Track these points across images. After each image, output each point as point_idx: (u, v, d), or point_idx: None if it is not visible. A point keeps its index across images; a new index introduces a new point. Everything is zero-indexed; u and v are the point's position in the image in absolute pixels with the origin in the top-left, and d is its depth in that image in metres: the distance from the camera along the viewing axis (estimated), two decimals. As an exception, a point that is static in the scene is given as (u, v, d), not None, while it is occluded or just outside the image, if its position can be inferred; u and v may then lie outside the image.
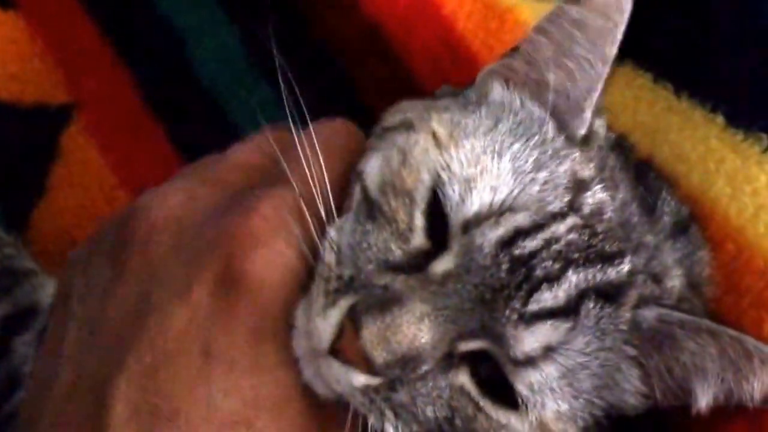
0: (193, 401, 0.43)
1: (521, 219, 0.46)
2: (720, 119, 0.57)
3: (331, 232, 0.47)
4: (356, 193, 0.49)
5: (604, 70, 0.49)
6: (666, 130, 0.59)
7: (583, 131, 0.50)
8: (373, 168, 0.49)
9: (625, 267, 0.47)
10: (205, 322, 0.44)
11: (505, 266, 0.45)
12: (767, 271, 0.51)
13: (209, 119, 0.72)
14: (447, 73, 0.64)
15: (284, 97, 0.50)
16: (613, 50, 0.48)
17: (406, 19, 0.67)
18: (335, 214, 0.48)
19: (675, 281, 0.50)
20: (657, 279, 0.49)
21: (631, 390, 0.49)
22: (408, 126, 0.51)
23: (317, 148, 0.49)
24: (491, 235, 0.45)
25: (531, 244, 0.45)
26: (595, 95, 0.49)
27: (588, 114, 0.50)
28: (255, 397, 0.44)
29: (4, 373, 0.62)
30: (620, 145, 0.54)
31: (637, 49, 0.64)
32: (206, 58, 0.73)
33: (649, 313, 0.48)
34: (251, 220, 0.46)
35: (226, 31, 0.73)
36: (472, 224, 0.46)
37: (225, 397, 0.44)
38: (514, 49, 0.53)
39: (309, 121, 0.50)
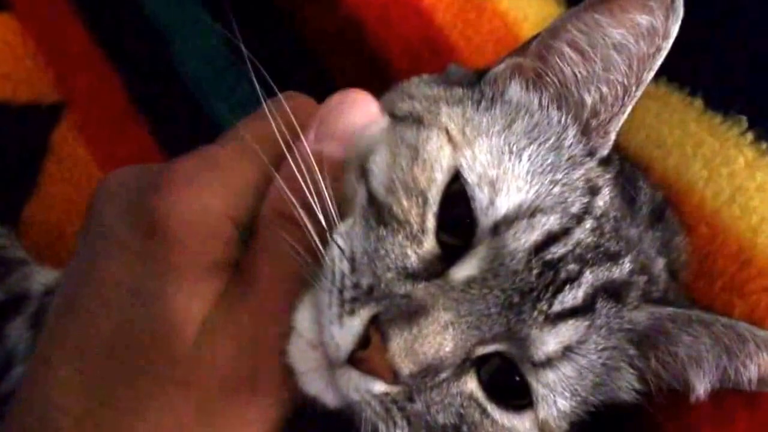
0: (119, 334, 0.45)
1: (553, 221, 0.46)
2: (698, 103, 0.56)
3: (338, 240, 0.46)
4: (360, 194, 0.48)
5: (637, 95, 0.48)
6: (643, 115, 0.58)
7: (606, 152, 0.50)
8: (379, 166, 0.48)
9: (627, 266, 0.48)
10: (134, 264, 0.46)
11: (536, 270, 0.45)
12: (741, 253, 0.51)
13: (192, 116, 0.74)
14: (425, 65, 0.64)
15: (259, 91, 0.50)
16: (650, 75, 0.48)
17: (385, 12, 0.67)
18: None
19: (661, 272, 0.50)
20: (648, 273, 0.49)
21: (626, 388, 0.50)
22: (416, 120, 0.49)
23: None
24: (525, 239, 0.45)
25: (561, 250, 0.46)
26: (623, 118, 0.49)
27: (613, 136, 0.49)
28: (152, 326, 0.45)
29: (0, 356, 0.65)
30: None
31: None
32: (189, 57, 0.75)
33: (643, 312, 0.48)
34: (172, 173, 0.47)
35: (209, 30, 0.75)
36: (501, 226, 0.45)
37: (139, 327, 0.45)
38: (524, 48, 0.52)
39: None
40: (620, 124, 0.49)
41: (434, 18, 0.67)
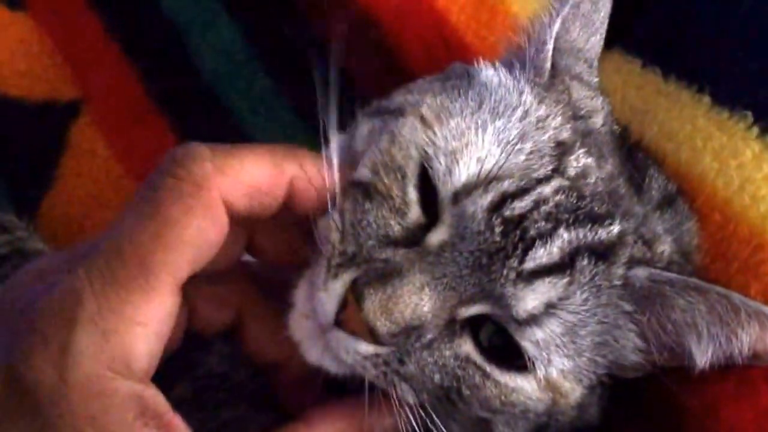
0: None
1: (507, 185, 0.47)
2: (706, 99, 0.59)
3: (334, 215, 0.49)
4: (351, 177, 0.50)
5: (563, 9, 0.52)
6: (654, 111, 0.61)
7: (547, 65, 0.52)
8: (366, 158, 0.50)
9: (615, 228, 0.49)
10: None
11: (498, 229, 0.47)
12: (753, 238, 0.53)
13: (210, 110, 0.74)
14: (442, 63, 0.66)
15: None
16: None
17: (400, 12, 0.69)
18: None
19: (665, 247, 0.52)
20: (647, 243, 0.51)
21: (630, 346, 0.51)
22: (400, 112, 0.52)
23: None
24: (481, 201, 0.47)
25: (520, 204, 0.47)
26: (555, 28, 0.52)
27: (550, 45, 0.52)
28: None
29: None
30: (621, 136, 0.56)
31: (626, 37, 0.66)
32: (207, 51, 0.76)
33: (641, 273, 0.49)
34: (35, 317, 0.43)
35: (226, 25, 0.76)
36: (461, 195, 0.47)
37: None
38: None
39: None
40: (553, 34, 0.52)
41: (449, 19, 0.69)
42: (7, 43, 0.77)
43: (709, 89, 0.59)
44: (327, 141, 0.56)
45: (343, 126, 0.55)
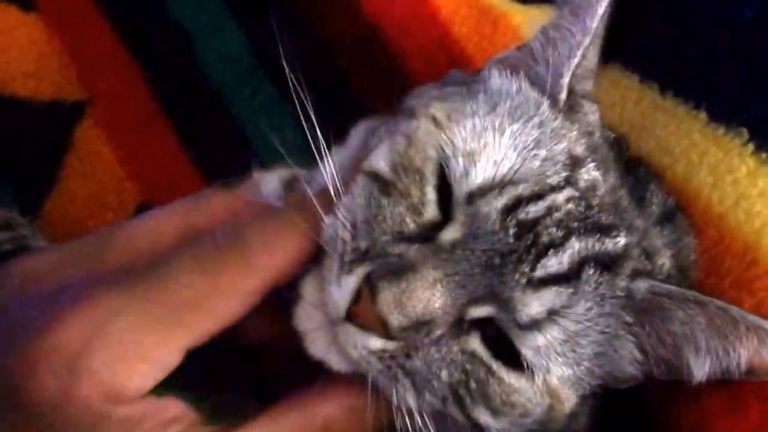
0: None
1: (522, 189, 0.48)
2: (703, 115, 0.60)
3: (341, 211, 0.50)
4: (361, 175, 0.51)
5: (584, 40, 0.52)
6: (652, 126, 0.62)
7: (563, 96, 0.53)
8: (381, 152, 0.51)
9: (621, 240, 0.50)
10: None
11: (512, 230, 0.48)
12: (747, 254, 0.54)
13: (215, 116, 0.75)
14: (443, 74, 0.67)
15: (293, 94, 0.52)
16: (593, 24, 0.52)
17: (403, 23, 0.70)
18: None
19: (665, 260, 0.53)
20: (649, 256, 0.52)
21: (628, 357, 0.51)
22: (411, 113, 0.53)
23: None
24: (496, 203, 0.48)
25: (534, 209, 0.48)
26: (574, 61, 0.53)
27: (566, 79, 0.53)
28: None
29: None
30: (618, 143, 0.57)
31: (624, 51, 0.67)
32: (213, 58, 0.77)
33: (642, 285, 0.50)
34: (39, 341, 0.44)
35: (233, 33, 0.77)
36: (476, 195, 0.48)
37: None
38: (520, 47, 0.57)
39: (306, 120, 0.53)
40: (572, 67, 0.53)
41: (451, 30, 0.70)
42: (17, 43, 0.78)
43: (705, 105, 0.59)
44: (329, 148, 0.57)
45: (340, 134, 0.56)
